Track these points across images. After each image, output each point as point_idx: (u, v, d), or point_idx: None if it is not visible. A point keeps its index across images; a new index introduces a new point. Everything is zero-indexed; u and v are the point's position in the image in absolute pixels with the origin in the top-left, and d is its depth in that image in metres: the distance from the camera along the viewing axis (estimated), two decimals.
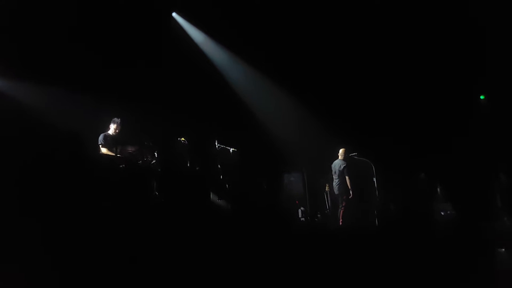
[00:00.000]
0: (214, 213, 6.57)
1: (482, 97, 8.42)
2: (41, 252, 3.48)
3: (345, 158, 7.68)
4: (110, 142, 6.16)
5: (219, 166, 6.82)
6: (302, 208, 8.00)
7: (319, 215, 8.03)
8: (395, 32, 7.80)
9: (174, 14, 7.75)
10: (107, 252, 3.73)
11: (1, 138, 6.29)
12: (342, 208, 7.49)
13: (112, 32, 6.88)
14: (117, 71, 6.85)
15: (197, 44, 7.99)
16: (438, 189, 7.99)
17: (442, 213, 7.68)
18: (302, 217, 7.95)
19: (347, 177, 7.46)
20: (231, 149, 6.93)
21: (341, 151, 7.73)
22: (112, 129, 6.30)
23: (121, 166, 6.05)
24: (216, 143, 6.88)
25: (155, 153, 6.28)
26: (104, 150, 6.11)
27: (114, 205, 5.50)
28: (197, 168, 6.59)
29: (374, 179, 7.64)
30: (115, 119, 6.32)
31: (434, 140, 8.18)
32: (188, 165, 6.53)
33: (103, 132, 6.23)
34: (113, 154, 6.07)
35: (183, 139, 6.52)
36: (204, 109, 7.59)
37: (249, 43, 7.69)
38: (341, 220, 7.47)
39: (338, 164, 7.66)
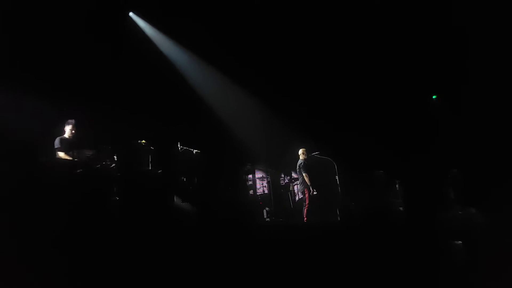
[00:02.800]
0: (178, 216, 6.80)
1: (434, 96, 9.30)
2: None
3: (305, 157, 8.22)
4: (66, 145, 6.26)
5: (182, 168, 7.05)
6: (267, 209, 8.43)
7: (283, 215, 8.48)
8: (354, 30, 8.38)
9: (131, 14, 7.91)
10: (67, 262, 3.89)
11: None
12: (306, 205, 8.03)
13: (66, 30, 6.90)
14: (71, 72, 6.89)
15: (155, 44, 8.19)
16: (396, 185, 8.72)
17: (401, 209, 8.40)
18: (267, 217, 8.37)
19: (304, 174, 8.01)
20: (194, 151, 7.20)
21: (300, 150, 8.31)
22: (67, 131, 6.39)
23: (78, 171, 6.14)
24: (179, 145, 7.12)
25: (115, 157, 6.41)
26: (61, 154, 6.20)
27: (72, 211, 5.61)
28: (159, 171, 6.77)
29: (336, 177, 8.24)
30: (70, 120, 6.41)
31: (393, 138, 8.91)
32: (150, 168, 6.71)
33: (58, 136, 6.30)
34: (70, 158, 6.14)
35: (143, 141, 6.69)
36: (165, 111, 7.80)
37: (209, 43, 8.00)
38: (305, 218, 7.99)
39: (298, 163, 8.20)
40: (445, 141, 8.90)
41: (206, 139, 7.78)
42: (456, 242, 5.56)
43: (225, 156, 8.27)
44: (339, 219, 8.26)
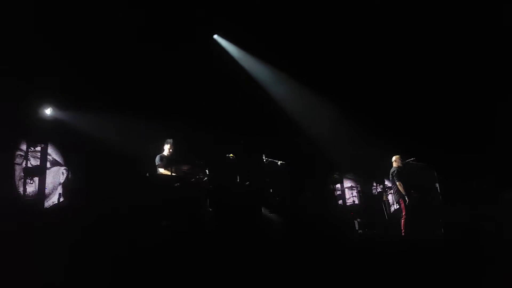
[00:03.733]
0: (267, 227, 7.05)
1: None
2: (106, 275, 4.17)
3: (398, 165, 7.71)
4: (166, 162, 7.03)
5: (267, 179, 7.31)
6: (358, 220, 8.13)
7: (377, 227, 8.10)
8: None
9: (215, 36, 8.60)
10: (166, 268, 4.36)
11: (70, 166, 7.60)
12: (403, 216, 7.51)
13: (158, 55, 7.81)
14: (165, 95, 7.77)
15: (239, 63, 8.70)
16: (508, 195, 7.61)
17: None
18: (359, 229, 8.07)
19: (398, 183, 7.52)
20: (279, 162, 7.41)
21: (394, 157, 7.81)
22: (166, 149, 7.18)
23: (176, 184, 6.84)
24: (264, 157, 7.42)
25: (206, 171, 6.98)
26: (161, 170, 6.98)
27: (172, 223, 6.28)
28: (247, 183, 7.15)
29: (437, 185, 7.56)
30: (168, 140, 7.20)
31: (503, 139, 7.82)
32: (238, 180, 7.12)
33: (159, 154, 7.12)
34: (169, 173, 6.88)
35: (231, 155, 7.15)
36: (251, 125, 8.19)
37: (290, 56, 8.20)
38: (403, 230, 7.48)
39: (391, 171, 7.73)
40: None
41: (290, 150, 7.92)
42: None
43: (310, 166, 8.29)
44: (442, 231, 7.57)
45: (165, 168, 6.97)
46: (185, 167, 7.00)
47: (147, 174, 6.96)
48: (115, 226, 5.88)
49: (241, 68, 8.71)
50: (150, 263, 4.49)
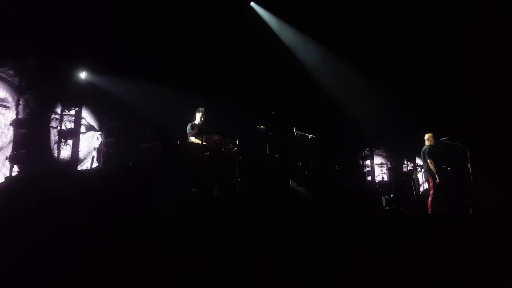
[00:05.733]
0: (294, 199, 7.30)
1: None
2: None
3: (431, 143, 7.75)
4: (197, 131, 7.24)
5: (297, 152, 7.48)
6: (386, 197, 8.30)
7: (405, 203, 8.26)
8: None
9: (252, 4, 8.53)
10: (195, 235, 4.66)
11: (104, 132, 7.91)
12: (431, 195, 7.65)
13: (193, 24, 7.85)
14: (199, 64, 7.88)
15: (275, 32, 8.64)
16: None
17: None
18: (386, 205, 8.26)
19: (429, 161, 7.60)
20: (310, 136, 7.55)
21: (427, 135, 7.87)
22: (198, 118, 7.40)
23: (206, 153, 7.09)
24: (295, 130, 7.56)
25: (237, 141, 7.19)
26: (192, 139, 7.22)
27: (201, 191, 6.58)
28: (276, 155, 7.35)
29: (469, 165, 7.61)
30: (200, 108, 7.41)
31: None
32: (268, 152, 7.33)
33: (190, 122, 7.33)
34: (200, 142, 7.12)
35: (262, 126, 7.32)
36: (283, 96, 8.27)
37: (327, 29, 8.08)
38: (430, 209, 7.64)
39: (422, 149, 7.80)
40: None
41: (322, 124, 8.02)
42: None
43: (341, 141, 8.39)
44: (471, 212, 7.70)
45: (196, 137, 7.19)
46: (215, 137, 7.20)
47: (178, 142, 7.24)
48: (146, 192, 6.22)
49: (277, 38, 8.67)
50: (181, 227, 4.82)
